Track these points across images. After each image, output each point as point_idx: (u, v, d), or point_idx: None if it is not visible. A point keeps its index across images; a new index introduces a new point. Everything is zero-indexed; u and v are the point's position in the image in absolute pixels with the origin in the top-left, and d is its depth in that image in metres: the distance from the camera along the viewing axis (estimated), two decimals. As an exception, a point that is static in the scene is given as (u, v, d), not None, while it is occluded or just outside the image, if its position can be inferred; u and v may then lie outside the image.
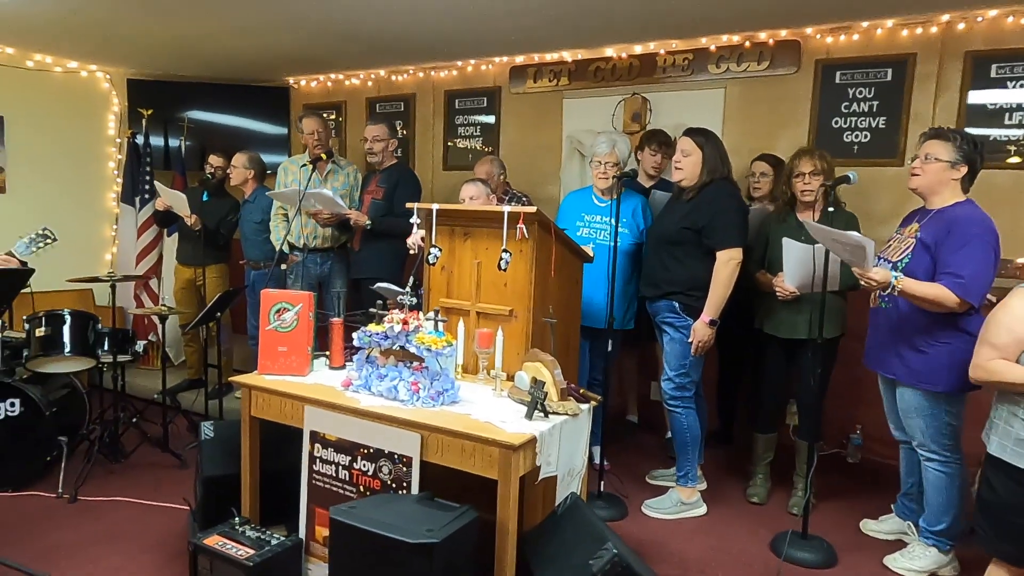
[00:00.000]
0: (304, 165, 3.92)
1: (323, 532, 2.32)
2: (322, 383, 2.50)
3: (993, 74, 3.43)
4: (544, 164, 4.67)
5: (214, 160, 4.56)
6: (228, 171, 4.49)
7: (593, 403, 2.43)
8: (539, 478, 2.14)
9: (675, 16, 3.60)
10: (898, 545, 2.78)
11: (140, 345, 3.98)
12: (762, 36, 3.91)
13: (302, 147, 5.53)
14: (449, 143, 5.08)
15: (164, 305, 3.90)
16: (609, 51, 4.35)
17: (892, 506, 2.97)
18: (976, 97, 3.47)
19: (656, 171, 3.82)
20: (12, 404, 3.25)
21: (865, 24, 3.66)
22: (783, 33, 3.87)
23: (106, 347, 3.67)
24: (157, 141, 5.33)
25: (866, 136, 3.74)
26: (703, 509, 3.09)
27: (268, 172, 4.63)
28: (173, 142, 5.41)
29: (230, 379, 2.80)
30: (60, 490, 3.19)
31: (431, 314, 2.41)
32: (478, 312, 2.68)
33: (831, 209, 2.71)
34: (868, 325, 2.78)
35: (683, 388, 2.99)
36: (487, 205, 3.21)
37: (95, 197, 5.43)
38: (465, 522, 1.95)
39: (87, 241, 5.35)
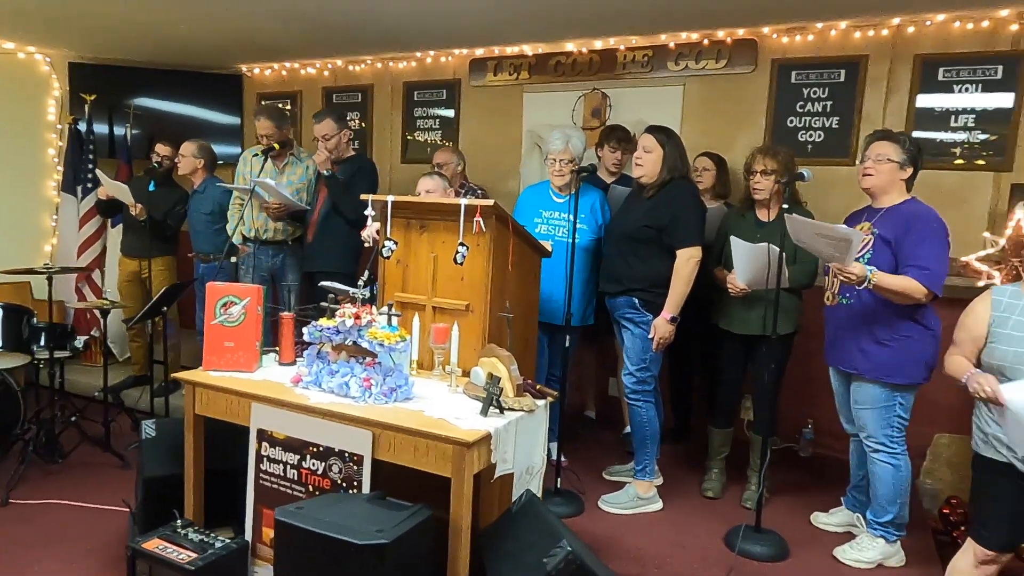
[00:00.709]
0: (256, 155, 3.80)
1: (270, 534, 2.23)
2: (271, 379, 2.41)
3: (940, 77, 3.52)
4: (504, 158, 4.63)
5: (161, 149, 4.38)
6: (176, 160, 4.32)
7: (550, 399, 2.40)
8: (495, 475, 2.10)
9: (635, 12, 3.59)
10: (848, 537, 2.83)
11: (80, 341, 3.81)
12: (720, 34, 3.94)
13: (256, 137, 5.42)
14: (408, 136, 4.99)
15: (106, 299, 3.74)
16: (570, 45, 4.33)
17: (842, 499, 3.03)
18: (924, 100, 3.56)
19: (617, 168, 3.81)
20: (-63, 403, 3.07)
21: (820, 25, 3.72)
22: (741, 32, 3.91)
23: (42, 343, 3.49)
24: (101, 128, 5.11)
25: (819, 135, 3.80)
26: (659, 504, 3.10)
27: (219, 162, 4.48)
28: (118, 130, 5.18)
29: (173, 375, 2.69)
30: (-10, 493, 3.03)
31: (384, 308, 2.35)
32: (434, 307, 2.62)
33: (785, 206, 2.73)
34: (824, 323, 2.82)
35: (644, 382, 3.00)
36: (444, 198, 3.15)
37: (33, 186, 5.16)
38: (418, 521, 1.90)
39: (24, 232, 5.08)
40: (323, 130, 3.67)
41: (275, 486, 2.26)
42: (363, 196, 2.64)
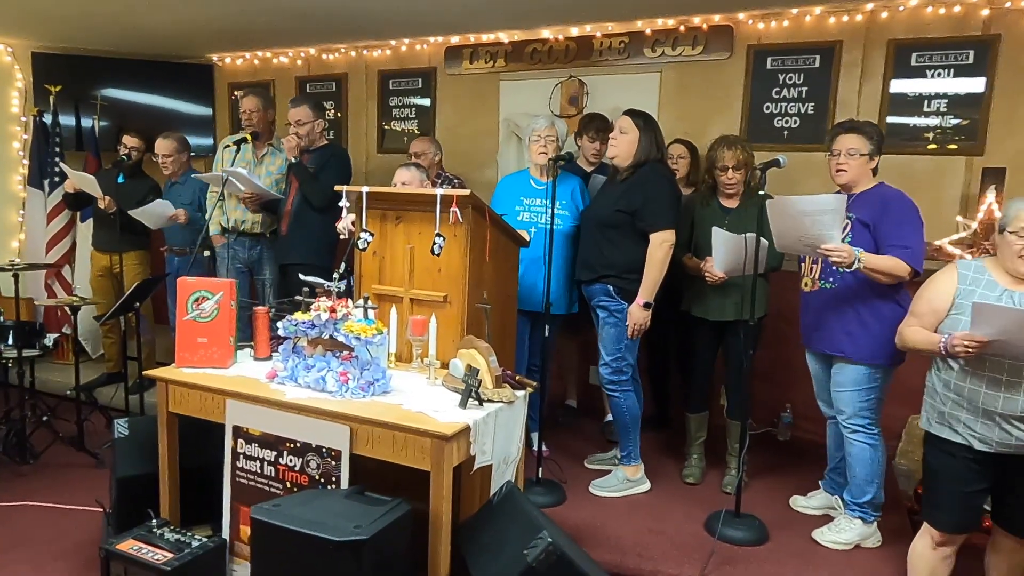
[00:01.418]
0: (228, 146, 3.72)
1: (248, 532, 2.21)
2: (245, 375, 2.38)
3: (913, 62, 3.54)
4: (481, 147, 4.59)
5: (129, 140, 4.27)
6: (158, 156, 4.21)
7: (529, 389, 2.39)
8: (474, 467, 2.09)
9: (610, -3, 3.57)
10: (826, 519, 2.86)
11: (50, 339, 3.72)
12: (696, 21, 3.93)
13: (229, 127, 5.32)
14: (385, 125, 4.93)
15: (76, 295, 3.65)
16: (546, 33, 4.29)
17: (820, 482, 3.06)
18: (898, 85, 3.58)
19: (596, 158, 3.79)
20: (-99, 405, 2.99)
21: (795, 11, 3.72)
22: (716, 18, 3.89)
23: (10, 341, 3.41)
24: (68, 120, 4.97)
25: (795, 121, 3.81)
26: (647, 485, 3.13)
27: (192, 154, 4.40)
28: (86, 122, 5.04)
29: (144, 373, 2.63)
30: (-41, 496, 2.96)
31: (360, 301, 2.31)
32: (411, 298, 2.60)
33: (762, 191, 2.74)
34: (800, 307, 2.84)
35: (620, 372, 3.00)
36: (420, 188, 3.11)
37: (-2, 180, 5.04)
38: (397, 516, 1.89)
39: (-10, 228, 4.97)
40: (298, 115, 3.59)
41: (252, 483, 2.23)
42: (337, 187, 2.60)
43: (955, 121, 3.48)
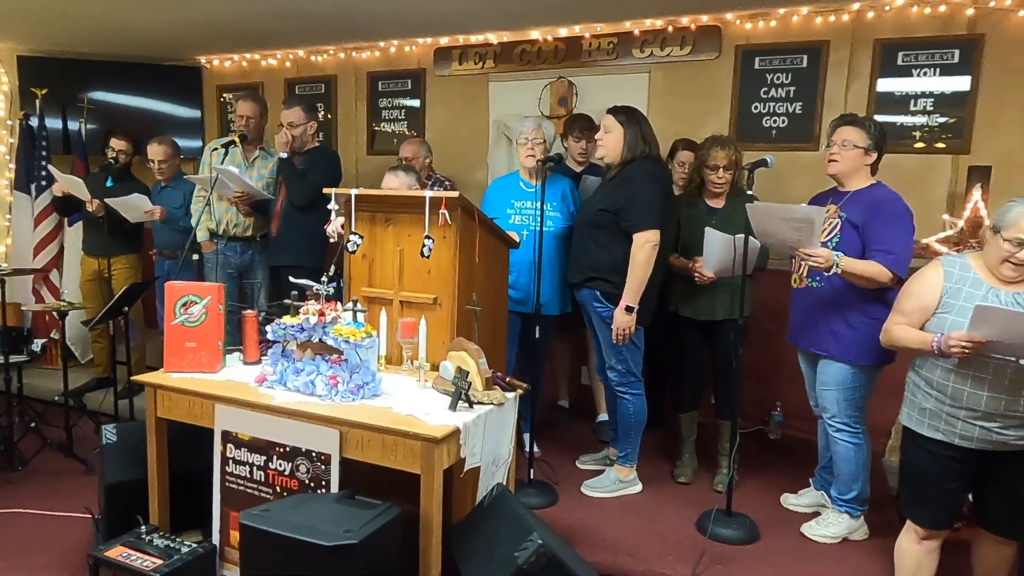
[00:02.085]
0: (216, 149, 3.71)
1: (238, 537, 2.20)
2: (234, 379, 2.36)
3: (900, 62, 3.56)
4: (471, 149, 4.59)
5: (117, 143, 4.25)
6: (152, 162, 4.18)
7: (520, 391, 2.39)
8: (464, 470, 2.09)
9: (599, -1, 3.58)
10: (817, 517, 2.87)
11: (38, 344, 3.70)
12: (684, 21, 3.94)
13: (218, 130, 5.30)
14: (375, 127, 4.92)
15: (64, 300, 3.63)
16: (535, 34, 4.29)
17: (811, 480, 3.08)
18: (885, 85, 3.60)
19: (583, 157, 3.79)
20: None
21: (782, 11, 3.74)
22: (704, 18, 3.91)
23: (-3, 347, 3.38)
24: (54, 123, 4.93)
25: (783, 121, 3.83)
26: (639, 487, 3.13)
27: (181, 156, 4.38)
28: (73, 125, 5.01)
29: (132, 378, 2.62)
30: (-54, 504, 2.94)
31: (349, 304, 2.31)
32: (401, 301, 2.59)
33: (750, 191, 2.74)
34: (790, 305, 2.85)
35: (627, 374, 2.97)
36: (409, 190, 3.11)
37: (-16, 184, 5.00)
38: (387, 520, 1.88)
39: (-24, 233, 4.93)
40: (290, 117, 3.59)
41: (242, 488, 2.22)
42: (326, 190, 2.59)
43: (942, 120, 3.51)
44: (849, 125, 2.62)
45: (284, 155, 3.58)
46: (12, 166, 4.96)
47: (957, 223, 3.31)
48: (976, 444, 2.03)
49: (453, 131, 4.65)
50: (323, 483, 2.07)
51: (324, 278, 2.34)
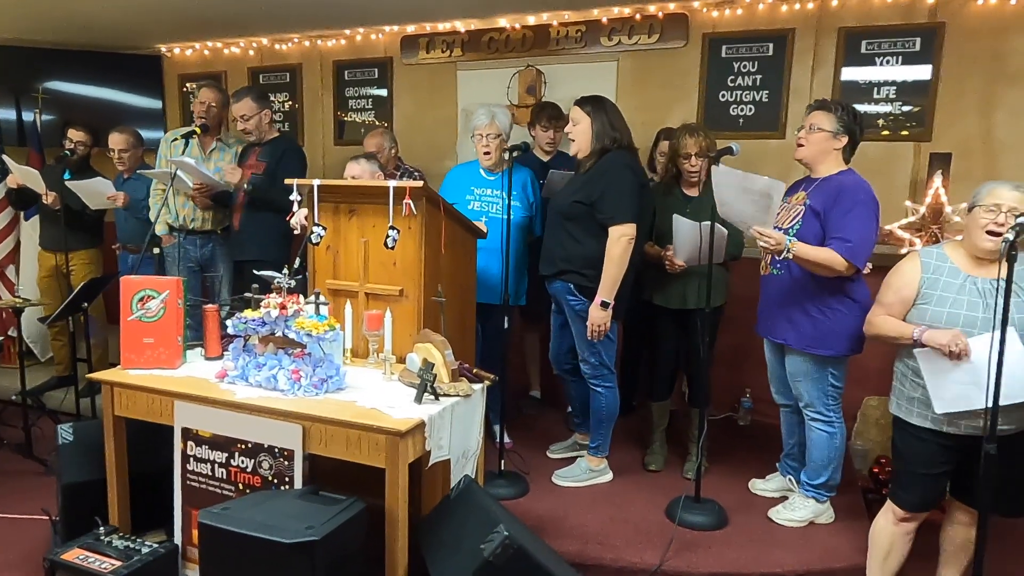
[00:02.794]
0: (176, 140, 3.61)
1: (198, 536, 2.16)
2: (195, 375, 2.31)
3: (863, 50, 3.59)
4: (440, 138, 4.54)
5: (74, 134, 4.11)
6: (112, 151, 4.06)
7: (487, 382, 2.37)
8: (430, 462, 2.07)
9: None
10: (784, 501, 2.91)
11: (-8, 342, 3.59)
12: (651, 9, 3.93)
13: (180, 120, 5.17)
14: (342, 116, 4.84)
15: (19, 296, 3.52)
16: (502, 21, 4.25)
17: (777, 465, 3.11)
18: (849, 73, 3.63)
19: (551, 146, 3.78)
20: None
21: (748, -1, 3.75)
22: (672, 6, 3.90)
23: (-50, 346, 3.27)
24: (7, 114, 4.78)
25: (750, 109, 3.85)
26: (610, 475, 3.13)
27: (145, 148, 4.26)
28: (27, 115, 4.86)
29: (88, 376, 2.54)
30: None
31: (312, 297, 2.26)
32: (367, 293, 2.56)
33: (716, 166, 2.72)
34: (759, 293, 2.86)
35: (600, 367, 2.95)
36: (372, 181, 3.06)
37: (-65, 178, 4.81)
38: (351, 515, 1.86)
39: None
40: (241, 110, 3.49)
41: (203, 486, 2.17)
42: (288, 180, 2.54)
43: (905, 108, 3.55)
44: (819, 110, 2.60)
45: (247, 187, 3.46)
46: (-37, 159, 4.79)
47: (919, 209, 3.36)
48: (964, 430, 2.06)
49: (421, 120, 4.59)
50: (287, 479, 2.03)
51: (285, 270, 2.30)
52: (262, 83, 4.96)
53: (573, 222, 2.86)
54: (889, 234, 3.35)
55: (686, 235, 2.86)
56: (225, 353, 2.46)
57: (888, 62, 3.55)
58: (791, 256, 2.43)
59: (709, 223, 2.70)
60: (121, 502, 2.36)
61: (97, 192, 3.84)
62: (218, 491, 2.14)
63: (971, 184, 2.37)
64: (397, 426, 1.90)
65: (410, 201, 2.34)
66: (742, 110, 3.86)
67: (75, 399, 3.71)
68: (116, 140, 4.04)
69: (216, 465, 2.14)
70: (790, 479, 2.97)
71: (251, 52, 5.00)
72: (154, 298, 2.34)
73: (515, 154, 2.90)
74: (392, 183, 2.37)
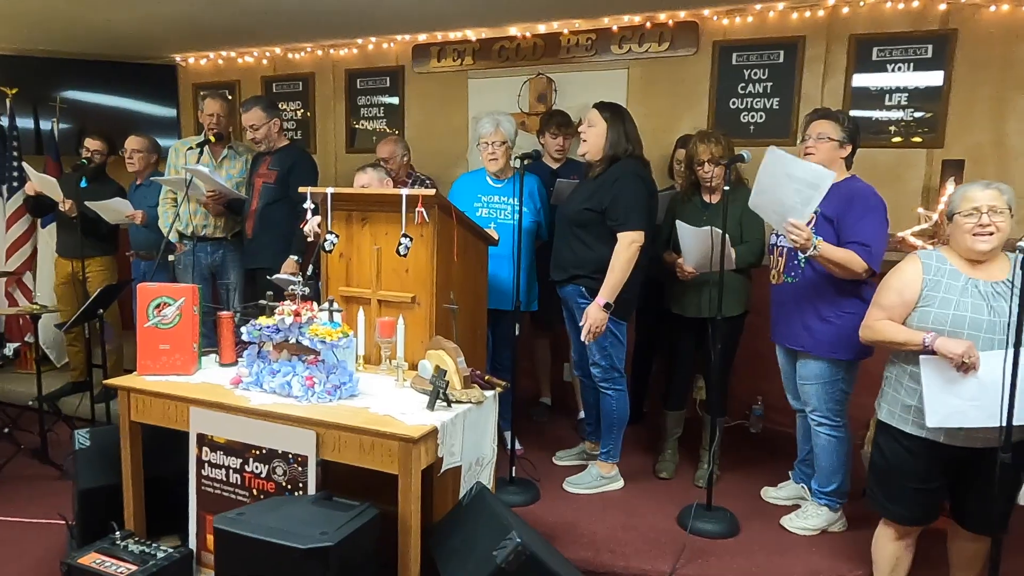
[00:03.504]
0: (191, 148, 3.66)
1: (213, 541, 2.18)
2: (210, 382, 2.34)
3: (874, 57, 3.59)
4: (451, 146, 4.57)
5: (91, 143, 4.18)
6: (126, 151, 4.13)
7: (499, 389, 2.38)
8: (442, 469, 2.08)
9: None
10: (796, 509, 2.89)
11: (11, 348, 3.64)
12: (662, 17, 3.94)
13: (194, 129, 5.23)
14: (355, 125, 4.88)
15: (37, 303, 3.56)
16: (513, 30, 4.28)
17: (790, 472, 3.10)
18: (860, 80, 3.62)
19: (560, 153, 3.80)
20: None
21: (758, 7, 3.75)
22: (682, 14, 3.91)
23: (-32, 351, 3.32)
24: (25, 123, 4.85)
25: (761, 116, 3.85)
26: (621, 483, 3.12)
27: (158, 155, 4.32)
28: (45, 124, 4.93)
29: (104, 382, 2.58)
30: (-84, 513, 2.88)
31: (325, 304, 2.29)
32: (379, 300, 2.58)
33: (727, 188, 2.74)
34: (770, 301, 2.86)
35: (610, 370, 2.96)
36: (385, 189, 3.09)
37: (-46, 186, 4.88)
38: (364, 521, 1.87)
39: (-54, 236, 4.82)
40: (250, 119, 3.53)
41: (218, 491, 2.19)
42: (301, 189, 2.57)
43: (917, 114, 3.54)
44: (823, 119, 2.64)
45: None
46: (-18, 167, 4.87)
47: (932, 216, 3.34)
48: (962, 441, 2.00)
49: (432, 128, 4.62)
50: (300, 485, 2.05)
51: (299, 277, 2.32)
52: (275, 92, 5.01)
53: (584, 228, 2.89)
54: (902, 241, 3.34)
55: (690, 240, 2.87)
56: (239, 359, 2.49)
57: (900, 68, 3.54)
58: (816, 254, 2.43)
59: (710, 227, 2.71)
60: (136, 507, 2.39)
61: (115, 211, 3.90)
62: (232, 496, 2.16)
63: (984, 191, 2.35)
64: (410, 433, 1.91)
65: (422, 209, 2.36)
66: (753, 117, 3.87)
67: (90, 404, 3.75)
68: (132, 141, 4.13)
69: (231, 471, 2.16)
70: (803, 487, 2.96)
71: (264, 61, 5.06)
72: (170, 305, 2.37)
73: (527, 162, 2.92)
74: (404, 191, 2.39)
